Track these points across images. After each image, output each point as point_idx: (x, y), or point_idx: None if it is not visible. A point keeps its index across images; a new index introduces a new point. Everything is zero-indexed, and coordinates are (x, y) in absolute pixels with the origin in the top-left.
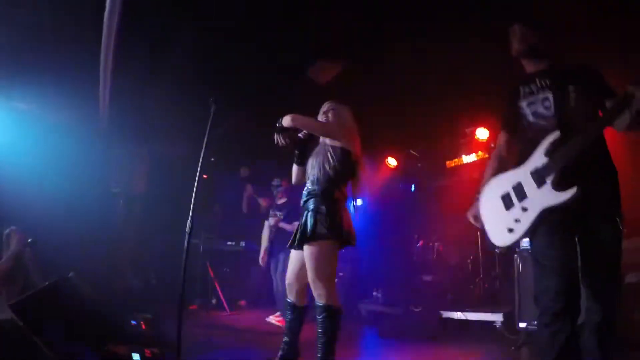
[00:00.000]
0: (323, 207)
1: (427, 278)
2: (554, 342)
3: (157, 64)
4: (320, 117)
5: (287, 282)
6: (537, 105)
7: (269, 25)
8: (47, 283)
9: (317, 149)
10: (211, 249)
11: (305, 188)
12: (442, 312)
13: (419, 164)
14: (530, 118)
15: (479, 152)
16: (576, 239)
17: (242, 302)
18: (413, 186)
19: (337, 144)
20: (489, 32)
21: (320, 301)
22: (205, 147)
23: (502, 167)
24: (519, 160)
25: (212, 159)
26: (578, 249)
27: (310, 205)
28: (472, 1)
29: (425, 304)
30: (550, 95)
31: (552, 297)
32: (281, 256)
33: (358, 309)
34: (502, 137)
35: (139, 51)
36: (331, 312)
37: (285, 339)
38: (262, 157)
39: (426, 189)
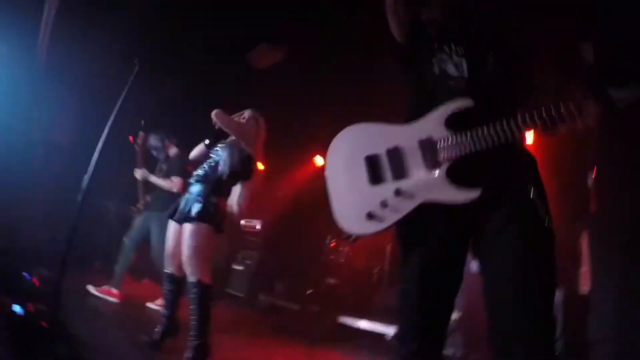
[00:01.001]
0: (213, 197)
1: (331, 280)
2: None
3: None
4: (240, 119)
5: (168, 252)
6: (447, 64)
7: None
8: None
9: (228, 141)
10: (121, 212)
11: (202, 169)
12: (339, 316)
13: None
14: (437, 70)
15: None
16: (463, 255)
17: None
18: None
19: (247, 148)
20: None
21: (192, 277)
22: (120, 107)
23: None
24: (409, 112)
25: (142, 122)
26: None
27: (200, 188)
28: None
29: (324, 305)
30: (464, 61)
31: (408, 333)
32: (154, 222)
33: (259, 298)
34: None
35: None
36: (203, 288)
37: (164, 312)
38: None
39: None
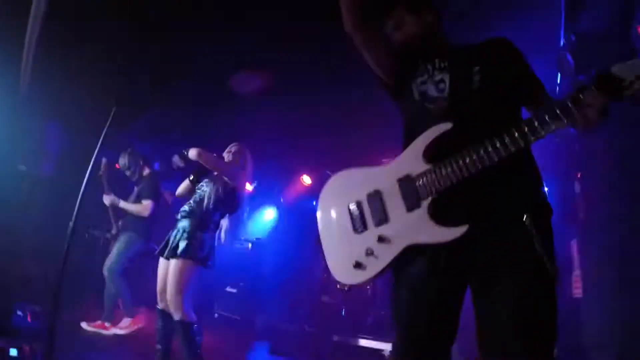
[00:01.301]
0: (199, 233)
1: (325, 299)
2: None
3: (83, 41)
4: (226, 155)
5: (158, 288)
6: (428, 86)
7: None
8: None
9: (213, 176)
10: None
11: (188, 204)
12: (334, 335)
13: None
14: (416, 96)
15: None
16: (457, 297)
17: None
18: None
19: (231, 182)
20: None
21: (177, 316)
22: (101, 145)
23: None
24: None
25: (129, 149)
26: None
27: (187, 224)
28: None
29: (320, 325)
30: (447, 77)
31: None
32: (122, 238)
33: (254, 321)
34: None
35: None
36: (186, 326)
37: (158, 347)
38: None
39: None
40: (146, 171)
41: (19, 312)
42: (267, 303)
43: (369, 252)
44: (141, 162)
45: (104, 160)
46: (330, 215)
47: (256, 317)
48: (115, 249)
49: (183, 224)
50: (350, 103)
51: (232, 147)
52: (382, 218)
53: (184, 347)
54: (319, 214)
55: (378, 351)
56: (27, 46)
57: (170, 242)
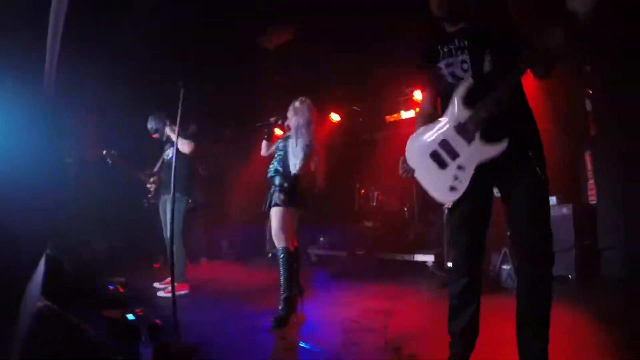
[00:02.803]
0: (286, 185)
1: (368, 224)
2: (465, 310)
3: (111, 28)
4: (293, 111)
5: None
6: (455, 67)
7: None
8: (42, 264)
9: (290, 134)
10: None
11: (273, 164)
12: (381, 254)
13: (361, 119)
14: (449, 79)
15: (417, 109)
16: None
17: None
18: (355, 138)
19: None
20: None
21: (279, 245)
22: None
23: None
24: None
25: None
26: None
27: (277, 180)
28: None
29: (367, 247)
30: (467, 58)
31: (459, 270)
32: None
33: (307, 253)
34: (427, 95)
35: (93, 13)
36: (286, 253)
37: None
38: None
39: (367, 141)
40: (174, 128)
41: (111, 286)
42: (316, 235)
43: (456, 178)
44: (168, 122)
45: (104, 152)
46: (420, 164)
47: (309, 250)
48: (167, 216)
49: (274, 181)
50: (371, 36)
51: (300, 106)
52: (454, 154)
53: (283, 270)
54: (411, 164)
55: (422, 263)
56: (51, 39)
57: (268, 198)
